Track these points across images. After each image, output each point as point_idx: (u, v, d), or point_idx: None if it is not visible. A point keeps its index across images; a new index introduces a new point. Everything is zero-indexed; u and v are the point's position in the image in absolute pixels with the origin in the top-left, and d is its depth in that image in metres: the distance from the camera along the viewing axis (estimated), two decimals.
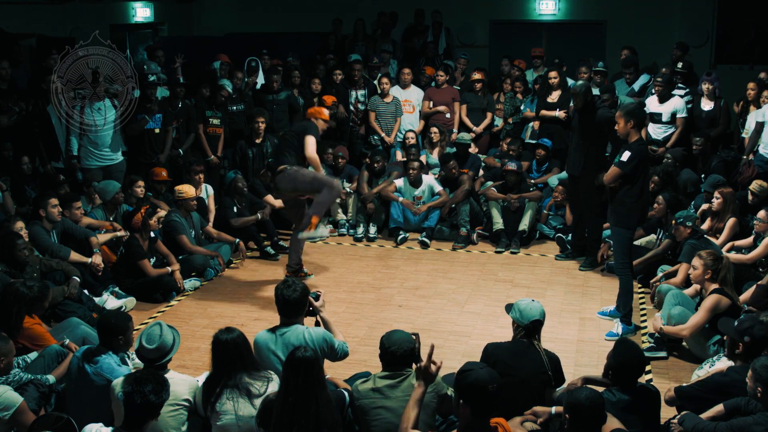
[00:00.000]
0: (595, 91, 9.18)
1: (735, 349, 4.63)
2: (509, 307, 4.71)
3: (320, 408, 3.73)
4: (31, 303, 5.29)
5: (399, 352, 4.13)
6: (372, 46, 12.36)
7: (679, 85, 9.71)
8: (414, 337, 4.28)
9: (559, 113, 9.41)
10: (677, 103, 9.32)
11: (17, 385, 4.60)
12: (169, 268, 7.32)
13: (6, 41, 9.69)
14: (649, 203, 7.19)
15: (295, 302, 4.62)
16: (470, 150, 9.75)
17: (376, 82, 10.64)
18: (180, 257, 7.64)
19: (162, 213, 7.69)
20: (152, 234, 7.39)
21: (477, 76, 10.41)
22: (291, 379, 3.78)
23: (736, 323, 4.70)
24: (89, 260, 6.94)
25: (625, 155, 6.19)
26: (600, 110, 7.68)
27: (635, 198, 6.26)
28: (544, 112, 9.64)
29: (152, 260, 7.33)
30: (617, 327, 6.35)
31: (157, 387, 3.67)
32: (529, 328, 4.54)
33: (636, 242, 7.78)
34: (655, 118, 9.38)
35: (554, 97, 9.58)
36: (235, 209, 8.50)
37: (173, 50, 12.17)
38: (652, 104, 9.44)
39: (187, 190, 7.94)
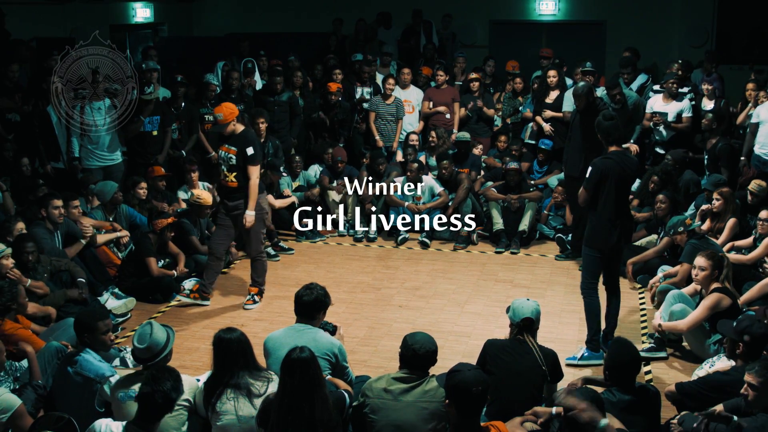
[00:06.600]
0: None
1: (735, 350, 4.63)
2: (509, 308, 4.74)
3: (315, 409, 3.72)
4: (3, 309, 5.21)
5: (421, 351, 4.08)
6: (370, 47, 12.36)
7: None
8: None
9: (546, 127, 9.40)
10: (683, 103, 9.28)
11: (22, 383, 4.61)
12: (175, 272, 7.36)
13: (12, 44, 9.66)
14: (636, 214, 7.05)
15: (305, 304, 4.70)
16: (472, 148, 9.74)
17: (379, 83, 10.63)
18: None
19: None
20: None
21: (473, 76, 10.39)
22: (287, 380, 3.78)
23: (735, 323, 4.70)
24: (84, 240, 6.96)
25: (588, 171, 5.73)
26: (603, 112, 7.64)
27: (598, 218, 5.71)
28: (538, 118, 9.61)
29: (160, 263, 7.38)
30: (580, 351, 5.80)
31: (175, 383, 3.75)
32: (520, 326, 4.59)
33: (636, 242, 7.79)
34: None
35: (552, 97, 9.53)
36: None
37: (173, 50, 12.17)
38: (656, 104, 9.38)
39: (205, 197, 7.88)
